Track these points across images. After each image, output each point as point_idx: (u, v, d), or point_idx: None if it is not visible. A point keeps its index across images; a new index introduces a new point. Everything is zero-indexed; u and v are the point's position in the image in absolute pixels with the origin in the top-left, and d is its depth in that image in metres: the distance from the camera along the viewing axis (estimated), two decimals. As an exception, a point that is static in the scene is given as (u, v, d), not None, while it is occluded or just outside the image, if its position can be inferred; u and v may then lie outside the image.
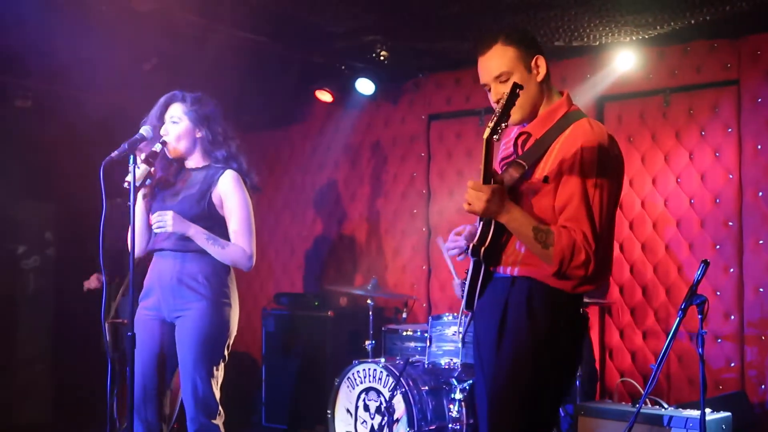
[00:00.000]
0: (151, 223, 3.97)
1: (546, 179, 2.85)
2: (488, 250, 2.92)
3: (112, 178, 5.35)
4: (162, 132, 3.97)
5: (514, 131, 3.10)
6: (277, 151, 7.75)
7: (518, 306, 2.88)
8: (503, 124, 2.71)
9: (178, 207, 3.93)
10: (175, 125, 3.98)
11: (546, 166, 2.87)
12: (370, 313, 5.82)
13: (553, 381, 2.90)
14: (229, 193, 3.98)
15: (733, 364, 5.45)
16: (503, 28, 3.03)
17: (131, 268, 3.66)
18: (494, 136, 2.72)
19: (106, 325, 5.29)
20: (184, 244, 3.92)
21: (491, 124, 2.70)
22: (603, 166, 2.83)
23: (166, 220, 3.83)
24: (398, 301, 6.45)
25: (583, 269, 2.77)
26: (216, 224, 3.99)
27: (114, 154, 3.78)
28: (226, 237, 4.01)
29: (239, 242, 3.97)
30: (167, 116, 4.00)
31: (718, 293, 5.51)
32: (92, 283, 5.60)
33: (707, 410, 4.40)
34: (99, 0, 4.96)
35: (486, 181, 2.78)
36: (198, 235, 3.90)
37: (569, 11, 5.02)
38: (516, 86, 2.72)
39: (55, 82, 6.30)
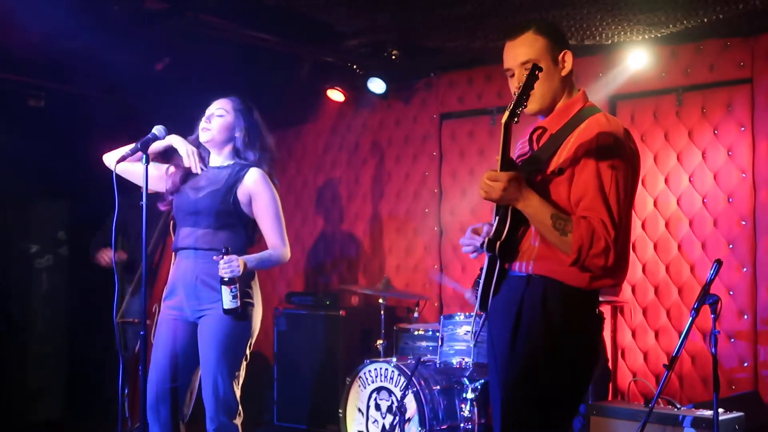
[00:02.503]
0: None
1: (561, 171, 2.85)
2: (504, 245, 2.90)
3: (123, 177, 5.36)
4: (203, 124, 4.00)
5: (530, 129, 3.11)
6: (289, 151, 7.76)
7: (533, 304, 2.86)
8: (522, 107, 2.73)
9: (204, 202, 3.94)
10: (221, 118, 4.04)
11: (561, 159, 2.88)
12: (382, 312, 5.83)
13: (567, 381, 2.88)
14: (259, 191, 4.02)
15: (746, 364, 5.43)
16: (536, 19, 3.03)
17: (144, 266, 3.67)
18: (513, 120, 2.73)
19: (116, 325, 5.31)
20: (207, 243, 3.92)
21: (510, 107, 2.72)
22: (618, 157, 2.82)
23: (233, 267, 3.82)
24: (410, 301, 6.45)
25: (602, 258, 2.74)
26: (239, 221, 4.02)
27: (127, 153, 3.80)
28: (249, 237, 4.07)
29: (275, 239, 4.04)
30: (212, 108, 4.06)
31: (731, 293, 5.49)
32: (104, 258, 5.57)
33: (720, 410, 4.38)
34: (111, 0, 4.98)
35: (503, 169, 2.78)
36: (253, 263, 3.95)
37: (581, 10, 5.01)
38: (536, 67, 2.73)
39: (67, 81, 6.32)
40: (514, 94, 2.75)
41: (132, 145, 3.87)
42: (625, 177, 2.83)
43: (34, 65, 5.95)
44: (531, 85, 2.73)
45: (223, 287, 3.80)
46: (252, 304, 4.02)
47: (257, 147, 4.09)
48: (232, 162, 4.08)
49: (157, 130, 3.85)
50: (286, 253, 4.08)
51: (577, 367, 2.91)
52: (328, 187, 7.50)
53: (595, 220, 2.75)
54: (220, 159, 4.10)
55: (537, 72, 2.73)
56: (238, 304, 3.83)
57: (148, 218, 3.77)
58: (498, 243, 2.90)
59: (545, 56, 2.93)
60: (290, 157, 7.74)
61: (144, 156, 3.76)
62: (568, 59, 2.99)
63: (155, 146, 3.92)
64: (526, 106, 2.76)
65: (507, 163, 2.78)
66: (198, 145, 4.05)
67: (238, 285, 3.83)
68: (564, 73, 2.99)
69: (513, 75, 3.00)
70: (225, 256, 3.81)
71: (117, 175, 3.72)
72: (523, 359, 2.86)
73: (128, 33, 5.30)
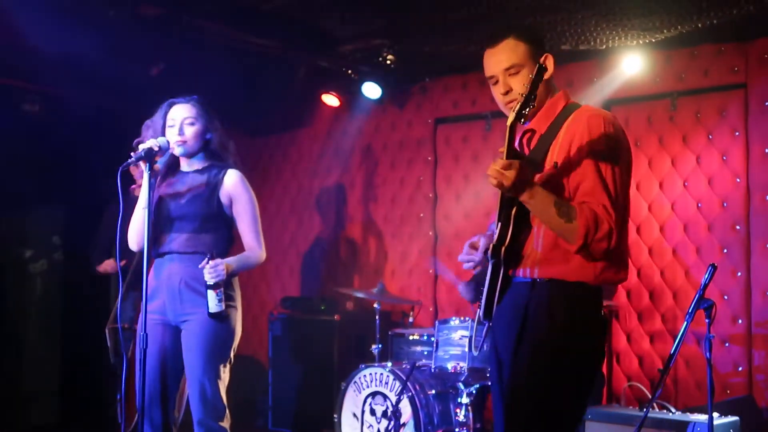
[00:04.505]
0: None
1: (556, 165, 2.86)
2: (508, 250, 2.90)
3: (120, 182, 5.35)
4: (176, 133, 3.97)
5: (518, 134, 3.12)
6: (285, 155, 7.76)
7: (538, 310, 2.86)
8: (529, 107, 2.74)
9: (188, 207, 3.94)
10: (192, 126, 4.00)
11: (554, 154, 2.89)
12: (377, 317, 5.82)
13: (572, 385, 2.87)
14: (239, 192, 4.02)
15: (740, 368, 5.43)
16: (513, 25, 3.05)
17: (144, 272, 3.67)
18: (519, 120, 2.75)
19: (107, 330, 5.30)
20: (191, 246, 3.93)
21: (516, 107, 2.73)
22: (612, 140, 2.85)
23: (219, 271, 3.84)
24: (405, 305, 6.45)
25: (606, 241, 2.76)
26: (223, 224, 4.03)
27: (131, 160, 3.80)
28: (230, 235, 4.08)
29: (252, 241, 4.05)
30: (176, 117, 4.01)
31: (726, 297, 5.50)
32: (108, 266, 5.60)
33: (715, 414, 4.38)
34: (106, 5, 4.97)
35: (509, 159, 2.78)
36: (235, 267, 3.95)
37: (576, 15, 5.02)
38: (541, 68, 2.74)
39: (62, 86, 6.31)
40: (521, 95, 2.75)
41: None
42: (619, 158, 2.85)
43: (29, 70, 5.93)
44: (537, 86, 2.74)
45: (209, 291, 3.83)
46: (234, 307, 4.01)
47: (227, 146, 4.10)
48: (206, 165, 4.08)
49: (160, 141, 3.85)
50: (263, 255, 4.09)
51: (581, 371, 2.90)
52: (323, 191, 7.50)
53: (595, 204, 2.76)
54: (194, 162, 4.08)
55: (542, 72, 2.75)
56: (224, 307, 3.85)
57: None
58: (503, 248, 2.90)
59: (528, 61, 2.94)
60: (285, 162, 7.74)
61: (147, 164, 3.77)
62: (549, 62, 3.00)
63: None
64: (534, 106, 2.76)
65: (513, 156, 2.78)
66: (167, 147, 4.01)
67: (223, 289, 3.85)
68: (546, 76, 2.99)
69: (497, 82, 3.01)
70: (210, 261, 3.83)
71: (115, 180, 3.72)
72: (527, 363, 2.85)
73: (123, 38, 5.30)
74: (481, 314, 3.05)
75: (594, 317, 2.92)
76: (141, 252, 4.20)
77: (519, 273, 2.94)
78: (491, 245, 2.93)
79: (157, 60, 5.87)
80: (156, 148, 3.79)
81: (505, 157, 2.76)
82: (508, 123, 2.75)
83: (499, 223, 2.92)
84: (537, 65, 2.74)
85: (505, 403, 2.90)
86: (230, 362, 4.01)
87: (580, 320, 2.86)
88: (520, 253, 2.93)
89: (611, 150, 2.83)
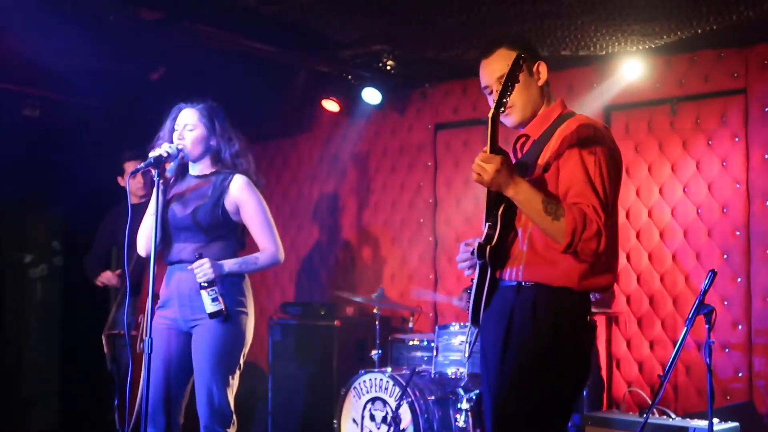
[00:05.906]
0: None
1: (546, 169, 2.88)
2: (494, 250, 2.91)
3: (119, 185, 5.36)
4: (176, 138, 3.98)
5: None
6: (285, 160, 7.76)
7: (524, 313, 2.87)
8: (507, 95, 2.76)
9: (193, 218, 3.93)
10: (191, 132, 4.01)
11: (545, 158, 2.92)
12: (377, 322, 5.82)
13: (558, 389, 2.88)
14: (245, 198, 4.02)
15: (741, 374, 5.43)
16: (506, 36, 3.08)
17: (151, 277, 3.67)
18: (500, 110, 2.78)
19: (104, 337, 5.29)
20: (202, 255, 3.92)
21: (495, 98, 2.77)
22: (600, 146, 2.86)
23: (204, 270, 3.84)
24: (405, 311, 6.44)
25: (595, 241, 2.74)
26: (231, 231, 4.03)
27: (140, 167, 3.82)
28: (240, 242, 4.09)
29: (265, 243, 4.06)
30: (180, 123, 4.02)
31: (726, 303, 5.49)
32: (109, 279, 5.56)
33: (715, 420, 4.38)
34: (107, 9, 4.98)
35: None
36: (232, 267, 3.95)
37: (576, 21, 5.02)
38: (520, 57, 2.75)
39: (63, 91, 6.31)
40: (510, 102, 2.80)
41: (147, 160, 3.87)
42: (608, 164, 2.86)
43: (30, 74, 5.94)
44: (515, 75, 2.75)
45: (202, 292, 3.84)
46: (245, 313, 4.02)
47: (235, 150, 4.09)
48: (214, 170, 4.08)
49: (170, 147, 3.86)
50: (278, 254, 4.09)
51: (568, 375, 2.90)
52: (323, 196, 7.50)
53: (584, 206, 2.76)
54: (200, 167, 4.09)
55: (521, 62, 2.76)
56: (222, 306, 3.84)
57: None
58: (488, 248, 2.91)
59: (521, 68, 2.95)
60: (285, 167, 7.74)
61: (156, 171, 3.78)
62: (542, 69, 3.05)
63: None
64: (511, 93, 2.77)
65: (496, 151, 2.80)
66: (177, 154, 4.00)
67: (216, 288, 3.84)
68: (540, 83, 3.06)
69: (491, 92, 3.04)
70: (196, 261, 3.84)
71: (120, 186, 3.74)
72: (513, 368, 2.87)
73: (124, 43, 5.30)
74: (469, 320, 3.06)
75: (580, 322, 2.93)
76: (140, 257, 4.21)
77: (506, 275, 2.96)
78: (477, 244, 2.94)
79: (157, 64, 5.88)
80: (165, 155, 3.81)
81: (487, 150, 2.79)
82: (489, 115, 2.78)
83: (487, 224, 2.93)
84: (516, 56, 2.75)
85: (493, 408, 2.91)
86: (240, 368, 4.01)
87: (565, 325, 2.87)
88: (508, 253, 2.94)
89: (601, 157, 2.84)
